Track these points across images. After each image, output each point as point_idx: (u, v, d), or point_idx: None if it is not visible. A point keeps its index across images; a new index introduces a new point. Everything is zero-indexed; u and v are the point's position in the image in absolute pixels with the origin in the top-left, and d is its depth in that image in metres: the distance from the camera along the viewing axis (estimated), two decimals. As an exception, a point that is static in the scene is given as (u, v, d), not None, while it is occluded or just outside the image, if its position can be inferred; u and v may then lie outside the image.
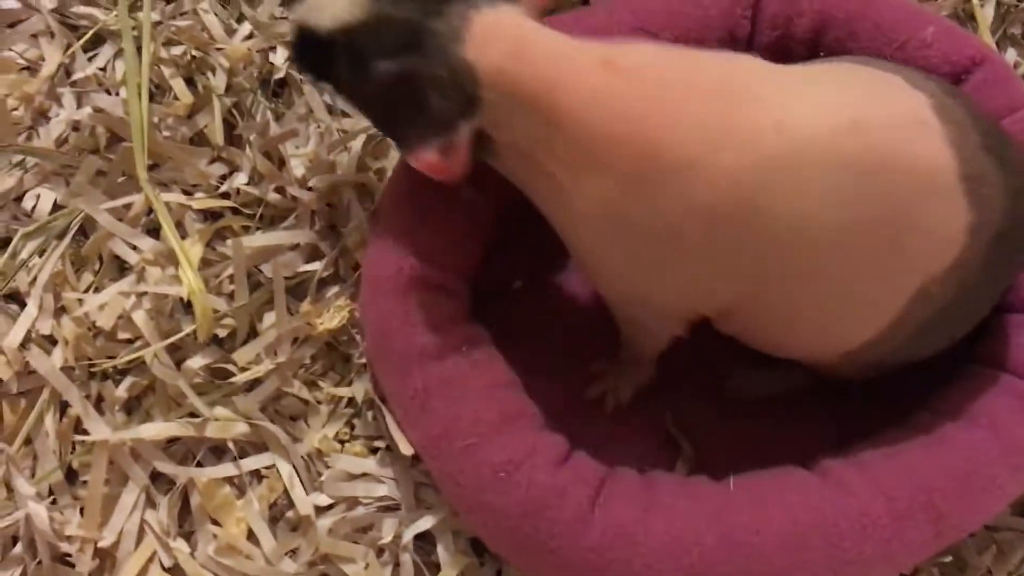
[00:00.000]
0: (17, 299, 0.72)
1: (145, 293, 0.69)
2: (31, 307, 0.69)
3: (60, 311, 0.70)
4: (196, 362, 0.69)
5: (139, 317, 0.68)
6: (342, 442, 0.70)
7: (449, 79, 0.55)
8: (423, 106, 0.55)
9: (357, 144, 0.76)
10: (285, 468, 0.68)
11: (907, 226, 0.56)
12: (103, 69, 0.79)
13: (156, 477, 0.69)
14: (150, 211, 0.73)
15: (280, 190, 0.75)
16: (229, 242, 0.71)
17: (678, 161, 0.54)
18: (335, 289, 0.74)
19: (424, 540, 0.68)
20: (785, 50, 0.76)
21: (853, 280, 0.58)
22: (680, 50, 0.61)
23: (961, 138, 0.56)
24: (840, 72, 0.62)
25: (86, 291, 0.71)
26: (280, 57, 0.80)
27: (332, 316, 0.70)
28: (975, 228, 0.56)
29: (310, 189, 0.75)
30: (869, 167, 0.54)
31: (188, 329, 0.69)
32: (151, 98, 0.73)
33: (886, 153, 0.55)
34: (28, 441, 0.68)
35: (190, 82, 0.78)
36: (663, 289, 0.61)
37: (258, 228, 0.74)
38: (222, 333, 0.70)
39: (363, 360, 0.72)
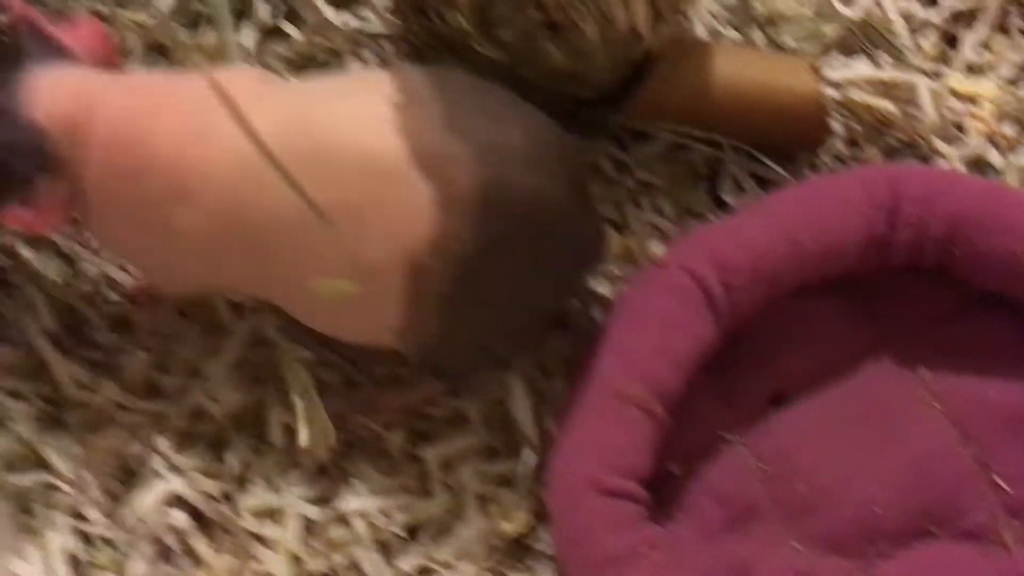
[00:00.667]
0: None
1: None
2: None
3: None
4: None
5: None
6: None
7: (23, 141, 0.65)
8: (4, 169, 0.65)
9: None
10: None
11: (367, 207, 0.66)
12: None
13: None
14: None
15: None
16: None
17: (170, 155, 0.67)
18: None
19: None
20: (919, 248, 0.82)
21: (335, 266, 0.67)
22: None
23: (418, 124, 0.66)
24: (319, 81, 0.72)
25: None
26: None
27: (518, 519, 0.76)
28: (443, 202, 0.66)
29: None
30: (314, 161, 0.65)
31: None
32: None
33: (330, 147, 0.65)
34: None
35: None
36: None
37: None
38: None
39: (548, 551, 0.78)
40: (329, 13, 0.94)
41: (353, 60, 0.94)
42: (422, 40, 0.86)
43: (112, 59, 0.74)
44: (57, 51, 0.69)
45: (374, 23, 0.95)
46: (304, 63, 0.94)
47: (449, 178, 0.66)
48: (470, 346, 0.78)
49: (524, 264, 0.71)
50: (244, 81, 0.70)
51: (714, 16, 1.00)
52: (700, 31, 0.99)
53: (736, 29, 1.00)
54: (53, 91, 0.66)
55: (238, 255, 0.69)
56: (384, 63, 0.94)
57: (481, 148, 0.67)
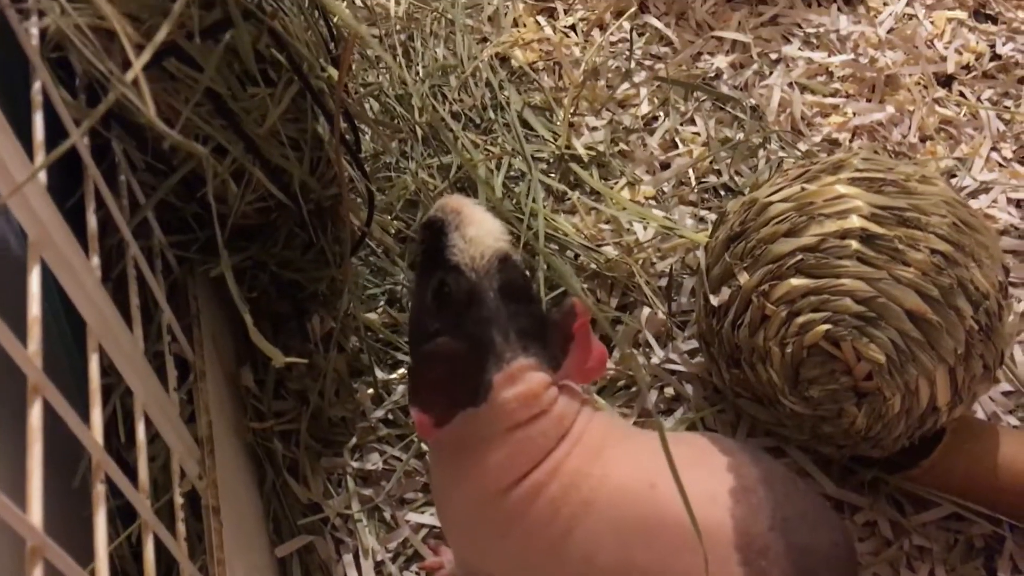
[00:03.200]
0: None
1: None
2: None
3: None
4: None
5: None
6: None
7: (478, 384, 0.74)
8: (452, 385, 0.74)
9: None
10: None
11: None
12: None
13: None
14: None
15: None
16: None
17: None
18: None
19: None
20: None
21: None
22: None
23: (747, 513, 0.72)
24: (673, 441, 0.67)
25: None
26: None
27: None
28: None
29: None
30: (653, 521, 0.71)
31: None
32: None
33: (671, 513, 0.70)
34: None
35: None
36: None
37: None
38: None
39: None
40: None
41: (653, 391, 1.07)
42: (730, 385, 0.98)
43: (589, 378, 0.82)
44: (560, 352, 0.77)
45: (679, 363, 1.08)
46: (608, 385, 1.07)
47: (763, 569, 0.72)
48: None
49: None
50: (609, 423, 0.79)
51: (992, 400, 1.07)
52: (980, 415, 1.05)
53: (1012, 415, 1.06)
54: (511, 378, 0.74)
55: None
56: (680, 397, 1.06)
57: (795, 549, 0.73)
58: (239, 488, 0.89)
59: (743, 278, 0.92)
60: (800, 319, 0.88)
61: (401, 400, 1.05)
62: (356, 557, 0.95)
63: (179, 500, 0.74)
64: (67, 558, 0.45)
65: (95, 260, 0.63)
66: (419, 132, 1.23)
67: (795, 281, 0.89)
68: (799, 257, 0.89)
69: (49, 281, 0.69)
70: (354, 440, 1.02)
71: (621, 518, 0.72)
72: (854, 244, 0.87)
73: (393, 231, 1.12)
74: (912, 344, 0.86)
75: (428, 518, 0.98)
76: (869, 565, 0.95)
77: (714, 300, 0.96)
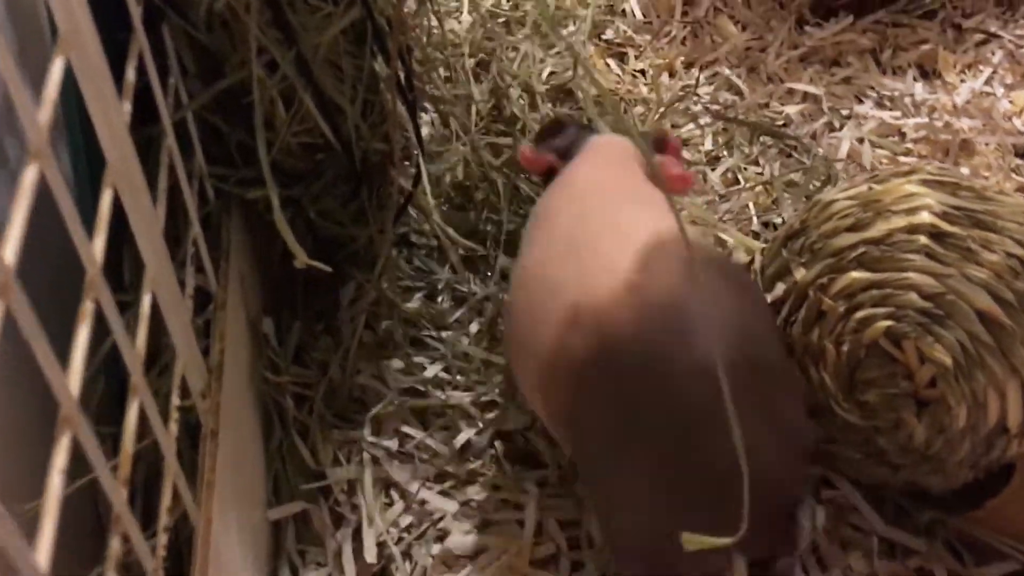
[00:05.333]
0: None
1: None
2: None
3: None
4: None
5: None
6: None
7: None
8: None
9: None
10: None
11: None
12: None
13: None
14: None
15: None
16: None
17: None
18: None
19: None
20: None
21: None
22: None
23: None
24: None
25: None
26: None
27: None
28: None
29: None
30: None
31: None
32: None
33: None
34: None
35: None
36: None
37: None
38: None
39: None
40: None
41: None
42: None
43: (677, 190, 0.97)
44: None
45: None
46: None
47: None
48: None
49: None
50: None
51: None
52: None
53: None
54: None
55: None
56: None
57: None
58: (243, 432, 0.84)
59: (799, 273, 0.87)
60: (860, 314, 0.82)
61: (430, 378, 1.00)
62: (357, 532, 0.88)
63: (175, 402, 0.70)
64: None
65: (127, 105, 0.61)
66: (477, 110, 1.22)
67: (856, 274, 0.83)
68: (862, 250, 0.83)
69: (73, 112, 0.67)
70: (373, 413, 0.96)
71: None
72: (923, 239, 0.81)
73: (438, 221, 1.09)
74: (982, 349, 0.79)
75: (441, 500, 0.90)
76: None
77: (768, 296, 0.90)
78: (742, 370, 0.66)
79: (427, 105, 1.16)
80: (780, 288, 0.89)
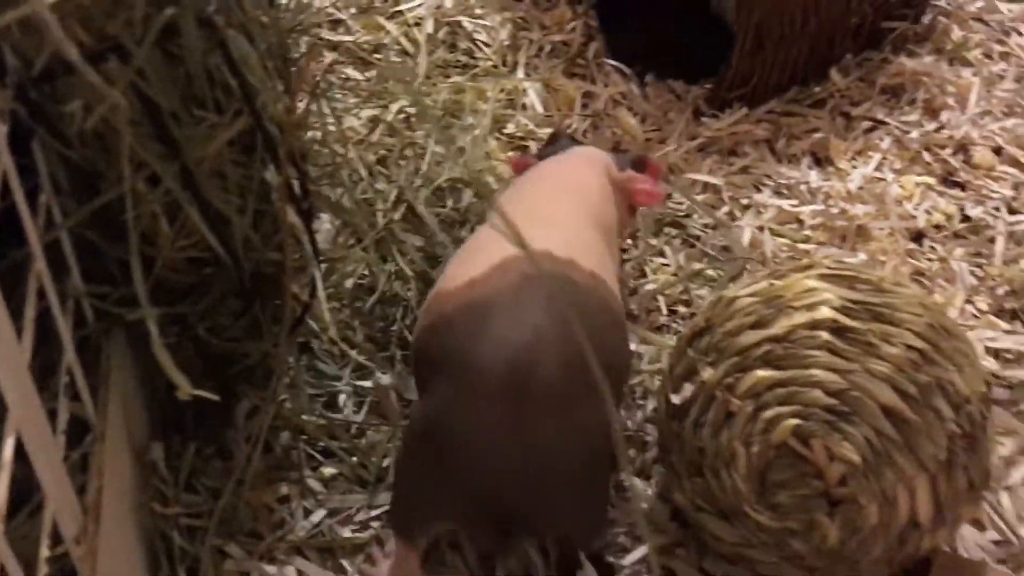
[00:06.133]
0: None
1: None
2: None
3: None
4: None
5: None
6: None
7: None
8: None
9: None
10: None
11: None
12: None
13: None
14: None
15: None
16: None
17: None
18: None
19: None
20: None
21: None
22: None
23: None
24: None
25: None
26: None
27: None
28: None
29: None
30: None
31: None
32: None
33: None
34: None
35: None
36: None
37: None
38: None
39: None
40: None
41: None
42: (691, 498, 0.89)
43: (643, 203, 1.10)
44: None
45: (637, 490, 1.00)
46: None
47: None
48: None
49: None
50: None
51: (981, 548, 0.97)
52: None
53: (1002, 564, 0.96)
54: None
55: None
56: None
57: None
58: (120, 570, 0.77)
59: (706, 373, 0.86)
60: (767, 414, 0.81)
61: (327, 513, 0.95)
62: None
63: (44, 552, 0.64)
64: None
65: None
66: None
67: (762, 373, 0.82)
68: (766, 348, 0.83)
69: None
70: (267, 542, 0.90)
71: None
72: (824, 335, 0.82)
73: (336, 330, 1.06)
74: (889, 445, 0.78)
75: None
76: None
77: (675, 399, 0.88)
78: (540, 372, 0.77)
79: (323, 212, 1.14)
80: (688, 389, 0.87)
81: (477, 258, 0.87)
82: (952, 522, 0.83)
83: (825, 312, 0.83)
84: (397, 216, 1.24)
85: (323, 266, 1.12)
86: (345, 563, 0.92)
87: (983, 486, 0.85)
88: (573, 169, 1.06)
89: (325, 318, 1.00)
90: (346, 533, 0.95)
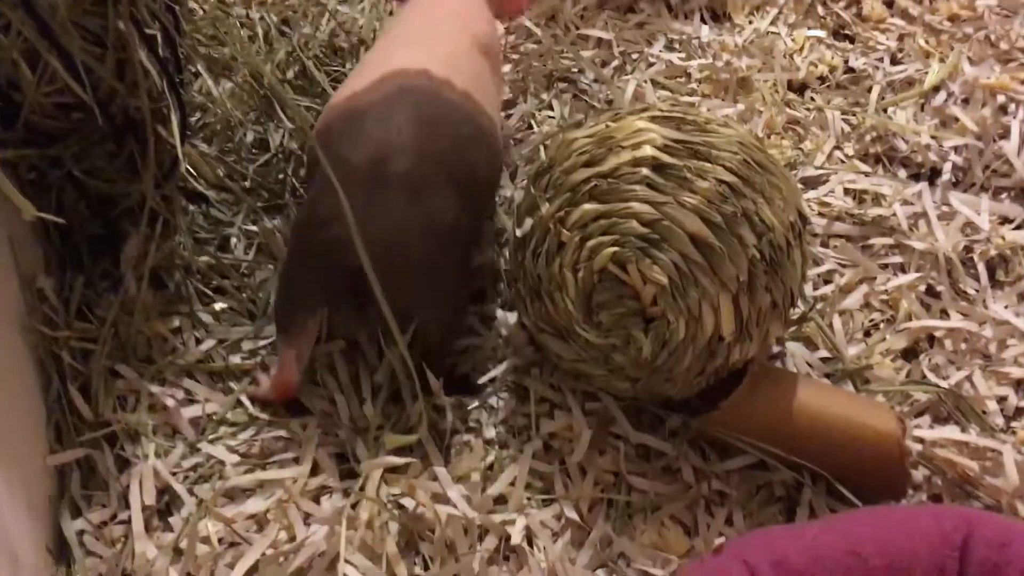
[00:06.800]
0: None
1: None
2: None
3: None
4: None
5: None
6: None
7: None
8: None
9: None
10: None
11: None
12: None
13: None
14: None
15: None
16: None
17: None
18: None
19: None
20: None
21: None
22: None
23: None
24: None
25: None
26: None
27: None
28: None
29: None
30: None
31: None
32: None
33: None
34: None
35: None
36: None
37: None
38: None
39: None
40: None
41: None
42: (534, 320, 0.98)
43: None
44: None
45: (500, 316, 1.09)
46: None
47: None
48: None
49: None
50: None
51: (810, 365, 1.08)
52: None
53: (828, 377, 1.07)
54: None
55: None
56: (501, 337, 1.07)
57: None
58: (12, 386, 0.87)
59: (544, 207, 0.94)
60: (591, 243, 0.90)
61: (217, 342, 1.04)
62: (140, 477, 0.92)
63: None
64: None
65: None
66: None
67: (588, 206, 0.90)
68: (593, 183, 0.91)
69: None
70: (157, 366, 1.00)
71: None
72: (644, 171, 0.89)
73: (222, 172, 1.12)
74: (695, 268, 0.87)
75: (222, 447, 0.96)
76: (666, 507, 0.95)
77: (519, 232, 0.97)
78: (395, 164, 0.91)
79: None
80: (528, 223, 0.96)
81: (362, 73, 1.01)
82: (760, 337, 0.93)
83: (647, 151, 0.90)
84: (290, 75, 1.30)
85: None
86: (233, 385, 1.02)
87: (788, 306, 0.94)
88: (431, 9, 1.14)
89: (182, 163, 1.06)
90: (235, 360, 1.05)
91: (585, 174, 0.92)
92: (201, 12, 1.26)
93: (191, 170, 1.08)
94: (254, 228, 1.15)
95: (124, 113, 0.92)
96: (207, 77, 1.18)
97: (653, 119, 0.94)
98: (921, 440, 0.99)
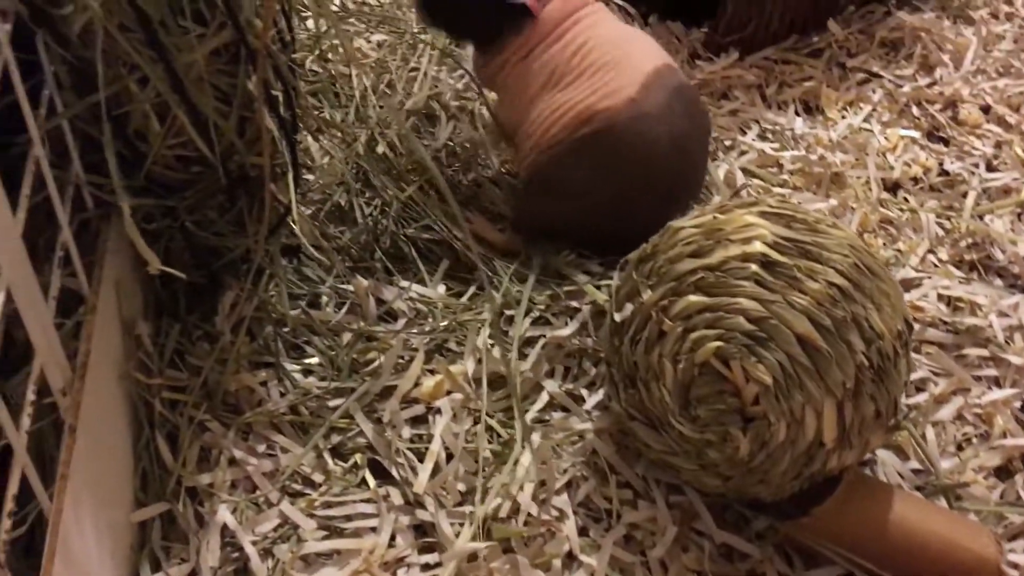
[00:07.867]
0: None
1: None
2: None
3: None
4: None
5: None
6: None
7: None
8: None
9: None
10: None
11: None
12: None
13: None
14: None
15: None
16: None
17: None
18: None
19: None
20: None
21: None
22: None
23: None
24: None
25: None
26: None
27: None
28: None
29: None
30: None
31: None
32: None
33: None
34: None
35: None
36: None
37: None
38: None
39: None
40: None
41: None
42: (625, 407, 0.97)
43: None
44: None
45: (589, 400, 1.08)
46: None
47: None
48: None
49: None
50: None
51: (901, 475, 1.05)
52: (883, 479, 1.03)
53: (919, 490, 1.04)
54: None
55: None
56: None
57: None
58: (107, 431, 0.87)
59: (646, 295, 0.93)
60: (694, 335, 0.89)
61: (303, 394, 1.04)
62: (222, 531, 0.92)
63: (30, 396, 0.73)
64: None
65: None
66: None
67: (693, 298, 0.89)
68: (700, 275, 0.90)
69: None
70: (244, 419, 1.00)
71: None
72: (753, 267, 0.88)
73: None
74: (800, 370, 0.85)
75: (300, 516, 0.94)
76: (750, 613, 0.92)
77: (618, 316, 0.96)
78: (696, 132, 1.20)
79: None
80: (628, 308, 0.95)
81: (616, 78, 1.15)
82: (860, 446, 0.91)
83: (757, 247, 0.89)
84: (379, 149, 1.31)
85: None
86: (319, 442, 1.02)
87: (891, 415, 0.92)
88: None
89: (296, 223, 1.07)
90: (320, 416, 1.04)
91: (691, 264, 0.91)
92: (311, 74, 1.28)
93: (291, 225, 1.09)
94: (347, 288, 1.15)
95: (240, 169, 0.93)
96: (310, 138, 1.20)
97: (763, 214, 0.93)
98: (1015, 566, 0.95)
